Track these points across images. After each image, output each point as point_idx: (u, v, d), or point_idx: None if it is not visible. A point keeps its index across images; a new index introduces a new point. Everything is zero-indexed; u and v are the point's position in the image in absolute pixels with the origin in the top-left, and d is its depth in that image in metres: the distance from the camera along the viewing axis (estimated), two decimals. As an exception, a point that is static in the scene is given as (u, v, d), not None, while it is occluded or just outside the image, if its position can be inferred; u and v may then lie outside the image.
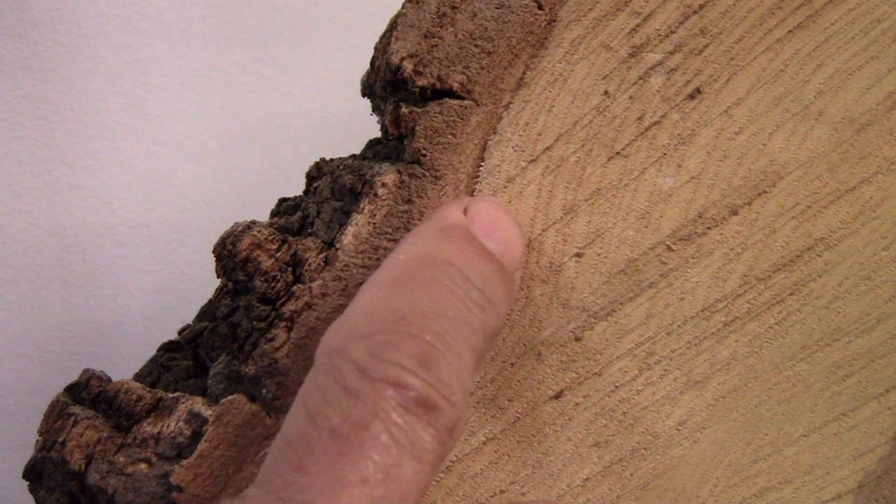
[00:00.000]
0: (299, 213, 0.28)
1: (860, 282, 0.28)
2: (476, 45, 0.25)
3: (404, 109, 0.25)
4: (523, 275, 0.26)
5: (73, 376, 0.29)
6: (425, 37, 0.25)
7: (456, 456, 0.27)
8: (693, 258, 0.27)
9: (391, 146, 0.27)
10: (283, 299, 0.25)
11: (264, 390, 0.25)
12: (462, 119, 0.25)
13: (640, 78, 0.26)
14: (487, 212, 0.25)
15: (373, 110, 0.29)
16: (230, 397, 0.25)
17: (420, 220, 0.25)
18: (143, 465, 0.26)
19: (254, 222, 0.27)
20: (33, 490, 0.28)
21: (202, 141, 0.52)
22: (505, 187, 0.26)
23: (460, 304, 0.22)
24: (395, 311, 0.21)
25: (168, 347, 0.31)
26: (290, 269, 0.26)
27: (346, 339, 0.21)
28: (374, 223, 0.25)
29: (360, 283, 0.25)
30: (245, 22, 0.52)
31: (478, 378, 0.27)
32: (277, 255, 0.26)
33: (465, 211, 0.25)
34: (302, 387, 0.21)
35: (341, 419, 0.20)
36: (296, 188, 0.31)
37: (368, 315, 0.22)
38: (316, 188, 0.28)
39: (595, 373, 0.27)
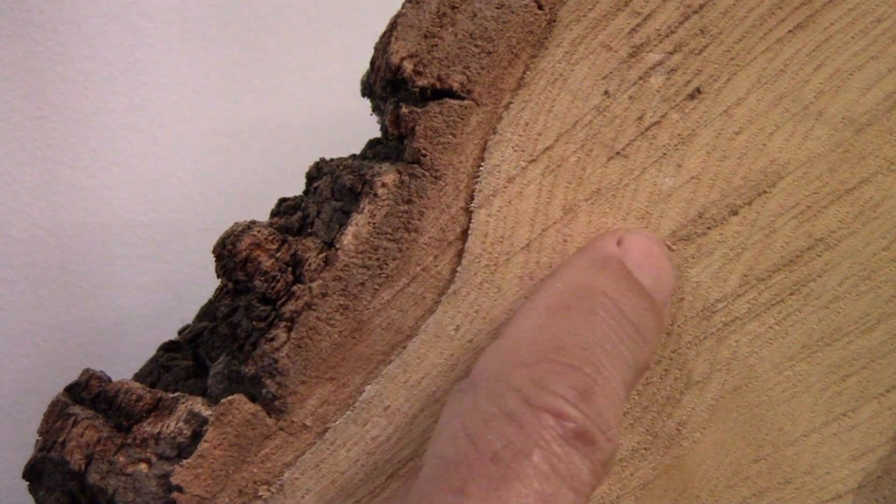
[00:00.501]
0: (299, 213, 0.28)
1: (860, 282, 0.28)
2: (476, 45, 0.25)
3: (404, 109, 0.25)
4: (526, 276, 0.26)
5: (73, 376, 0.29)
6: (425, 37, 0.25)
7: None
8: (693, 258, 0.27)
9: (391, 146, 0.27)
10: (283, 299, 0.25)
11: (264, 390, 0.25)
12: (462, 119, 0.25)
13: (640, 78, 0.26)
14: (641, 245, 0.25)
15: (373, 110, 0.29)
16: (230, 397, 0.25)
17: (420, 220, 0.25)
18: (143, 465, 0.26)
19: (254, 222, 0.27)
20: (33, 490, 0.28)
21: (202, 141, 0.52)
22: (505, 187, 0.26)
23: (615, 338, 0.22)
24: (556, 340, 0.22)
25: (168, 347, 0.31)
26: (290, 269, 0.26)
27: (508, 365, 0.21)
28: (374, 223, 0.25)
29: (361, 283, 0.25)
30: (245, 22, 0.52)
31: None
32: (277, 255, 0.26)
33: (619, 242, 0.25)
34: (455, 406, 0.21)
35: (503, 445, 0.20)
36: (296, 188, 0.31)
37: (528, 342, 0.22)
38: (316, 188, 0.28)
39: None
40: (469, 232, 0.26)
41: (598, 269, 0.24)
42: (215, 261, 0.27)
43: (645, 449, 0.28)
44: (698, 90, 0.26)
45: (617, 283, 0.23)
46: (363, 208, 0.25)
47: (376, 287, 0.26)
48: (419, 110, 0.25)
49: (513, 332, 0.22)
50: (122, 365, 0.36)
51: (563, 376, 0.21)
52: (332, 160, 0.30)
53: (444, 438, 0.21)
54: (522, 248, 0.26)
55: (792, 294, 0.28)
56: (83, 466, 0.26)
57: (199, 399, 0.26)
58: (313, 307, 0.25)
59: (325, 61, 0.53)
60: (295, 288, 0.25)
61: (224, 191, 0.52)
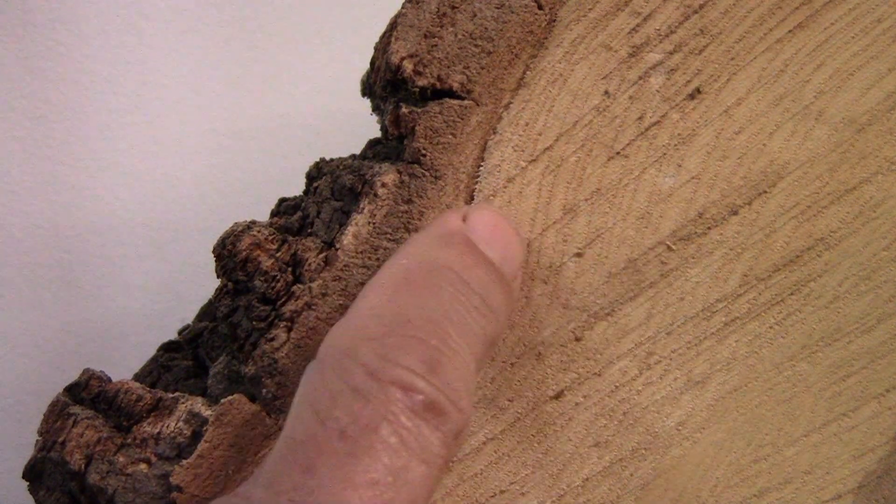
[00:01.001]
0: (299, 213, 0.28)
1: (860, 282, 0.28)
2: (476, 45, 0.25)
3: (404, 109, 0.25)
4: (524, 274, 0.26)
5: (73, 376, 0.29)
6: (425, 37, 0.25)
7: (456, 456, 0.27)
8: (693, 258, 0.27)
9: (391, 146, 0.27)
10: (283, 299, 0.25)
11: (264, 390, 0.25)
12: (462, 119, 0.25)
13: (640, 78, 0.26)
14: (487, 219, 0.25)
15: (373, 110, 0.29)
16: (230, 397, 0.25)
17: (420, 220, 0.25)
18: (143, 465, 0.26)
19: (254, 222, 0.27)
20: (33, 490, 0.28)
21: (202, 141, 0.52)
22: (505, 187, 0.26)
23: (462, 310, 0.22)
24: (401, 314, 0.21)
25: (168, 347, 0.31)
26: (290, 269, 0.26)
27: (354, 340, 0.21)
28: (374, 223, 0.25)
29: (361, 283, 0.25)
30: (245, 22, 0.52)
31: (477, 379, 0.27)
32: (277, 255, 0.26)
33: (465, 218, 0.25)
34: (305, 385, 0.21)
35: (350, 420, 0.20)
36: (296, 188, 0.31)
37: (375, 317, 0.22)
38: (316, 188, 0.28)
39: (595, 373, 0.27)
40: (469, 232, 0.26)
41: (443, 244, 0.24)
42: (215, 261, 0.27)
43: (645, 449, 0.28)
44: (698, 90, 0.26)
45: (462, 257, 0.23)
46: (363, 208, 0.25)
47: (376, 287, 0.26)
48: (419, 110, 0.25)
49: (359, 308, 0.22)
50: (122, 365, 0.36)
51: (409, 349, 0.21)
52: (332, 160, 0.30)
53: (293, 418, 0.21)
54: (522, 248, 0.26)
55: (792, 294, 0.28)
56: (83, 466, 0.26)
57: (199, 399, 0.26)
58: (313, 307, 0.25)
59: (325, 61, 0.53)
60: (295, 288, 0.25)
61: (224, 191, 0.52)
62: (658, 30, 0.26)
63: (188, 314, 0.33)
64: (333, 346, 0.21)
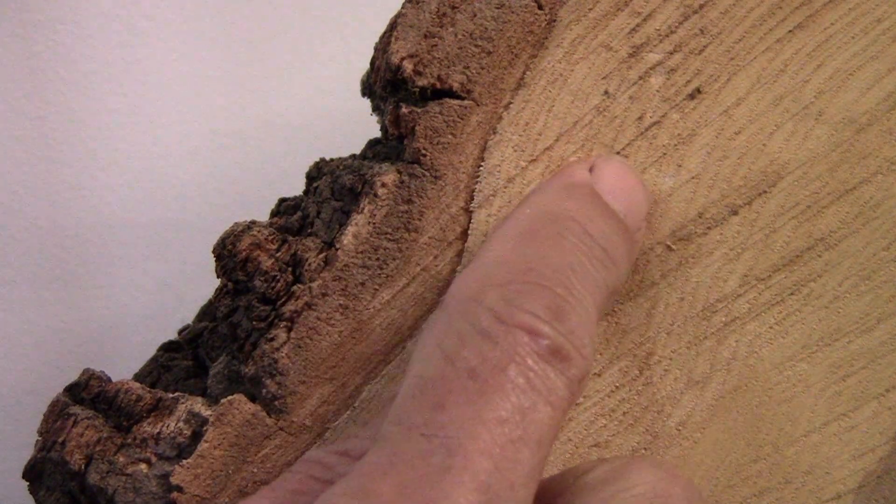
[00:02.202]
0: (299, 213, 0.28)
1: (860, 282, 0.28)
2: (476, 45, 0.25)
3: (404, 109, 0.25)
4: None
5: (73, 376, 0.29)
6: (425, 37, 0.25)
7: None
8: (693, 258, 0.27)
9: (391, 146, 0.27)
10: (283, 299, 0.25)
11: (264, 390, 0.25)
12: (462, 119, 0.25)
13: (640, 78, 0.26)
14: (613, 170, 0.25)
15: (373, 110, 0.29)
16: (230, 397, 0.25)
17: (420, 219, 0.25)
18: (143, 465, 0.26)
19: (254, 222, 0.27)
20: (33, 490, 0.28)
21: (202, 141, 0.52)
22: (505, 187, 0.26)
23: (585, 261, 0.22)
24: (526, 262, 0.22)
25: (168, 347, 0.31)
26: (290, 269, 0.26)
27: (480, 286, 0.21)
28: (374, 223, 0.25)
29: (361, 283, 0.25)
30: (245, 22, 0.52)
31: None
32: (277, 255, 0.26)
33: (591, 169, 0.25)
34: (430, 330, 0.22)
35: (479, 361, 0.20)
36: (296, 188, 0.31)
37: (500, 265, 0.22)
38: (316, 188, 0.28)
39: (595, 373, 0.27)
40: (469, 232, 0.26)
41: (567, 194, 0.24)
42: (215, 261, 0.27)
43: (645, 449, 0.28)
44: (698, 90, 0.26)
45: (586, 208, 0.23)
46: (363, 208, 0.25)
47: (376, 287, 0.26)
48: (419, 110, 0.25)
49: (483, 257, 0.23)
50: (122, 365, 0.36)
51: (534, 296, 0.21)
52: (332, 160, 0.30)
53: (419, 359, 0.21)
54: (522, 248, 0.26)
55: (792, 294, 0.28)
56: (83, 466, 0.26)
57: (199, 399, 0.26)
58: (313, 307, 0.25)
59: (325, 61, 0.53)
60: (295, 288, 0.25)
61: (224, 191, 0.52)
62: (658, 30, 0.26)
63: (188, 314, 0.33)
64: (460, 292, 0.22)
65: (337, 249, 0.25)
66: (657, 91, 0.26)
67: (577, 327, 0.21)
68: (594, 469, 0.22)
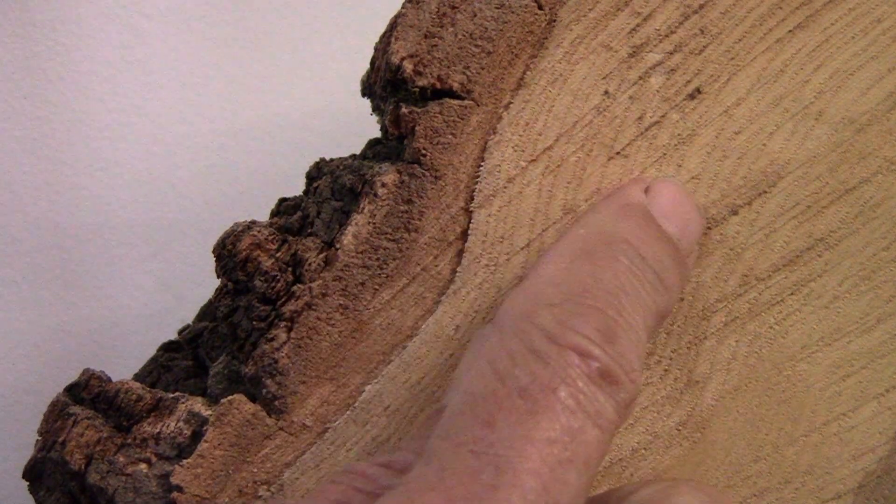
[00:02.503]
0: (299, 213, 0.28)
1: (860, 282, 0.28)
2: (476, 45, 0.25)
3: (404, 109, 0.25)
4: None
5: (73, 376, 0.29)
6: (425, 37, 0.25)
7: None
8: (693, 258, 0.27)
9: (391, 146, 0.27)
10: (283, 299, 0.25)
11: (264, 390, 0.25)
12: (462, 119, 0.25)
13: (640, 78, 0.26)
14: (668, 193, 0.25)
15: (373, 110, 0.29)
16: (230, 397, 0.25)
17: (420, 219, 0.25)
18: (143, 465, 0.26)
19: (254, 222, 0.27)
20: (33, 490, 0.28)
21: (202, 141, 0.52)
22: (505, 187, 0.26)
23: (637, 284, 0.22)
24: (579, 283, 0.22)
25: (168, 347, 0.31)
26: (290, 269, 0.26)
27: (533, 305, 0.22)
28: (374, 223, 0.25)
29: (361, 283, 0.25)
30: (245, 22, 0.52)
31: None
32: (277, 255, 0.26)
33: (647, 190, 0.25)
34: (482, 345, 0.22)
35: (530, 380, 0.20)
36: (296, 188, 0.31)
37: (553, 284, 0.22)
38: (316, 188, 0.28)
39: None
40: (469, 232, 0.26)
41: (623, 216, 0.24)
42: (215, 261, 0.27)
43: (645, 449, 0.28)
44: (698, 90, 0.26)
45: (640, 230, 0.24)
46: (363, 208, 0.25)
47: (376, 287, 0.26)
48: (419, 110, 0.25)
49: (537, 275, 0.23)
50: (122, 365, 0.36)
51: (587, 317, 0.21)
52: (332, 160, 0.30)
53: (471, 375, 0.21)
54: (522, 248, 0.26)
55: (792, 294, 0.28)
56: (83, 466, 0.26)
57: (199, 399, 0.26)
58: (313, 307, 0.25)
59: (325, 61, 0.53)
60: (295, 288, 0.25)
61: (224, 191, 0.52)
62: (658, 30, 0.26)
63: (188, 314, 0.33)
64: (512, 310, 0.22)
65: (337, 249, 0.25)
66: (657, 91, 0.26)
67: (627, 351, 0.21)
68: (639, 490, 0.22)
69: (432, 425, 0.21)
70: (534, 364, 0.20)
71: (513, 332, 0.21)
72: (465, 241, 0.26)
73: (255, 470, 0.26)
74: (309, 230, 0.27)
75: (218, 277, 0.27)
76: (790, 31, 0.26)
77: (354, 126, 0.36)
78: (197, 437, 0.25)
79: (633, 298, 0.22)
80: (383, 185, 0.25)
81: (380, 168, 0.26)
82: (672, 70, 0.26)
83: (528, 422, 0.20)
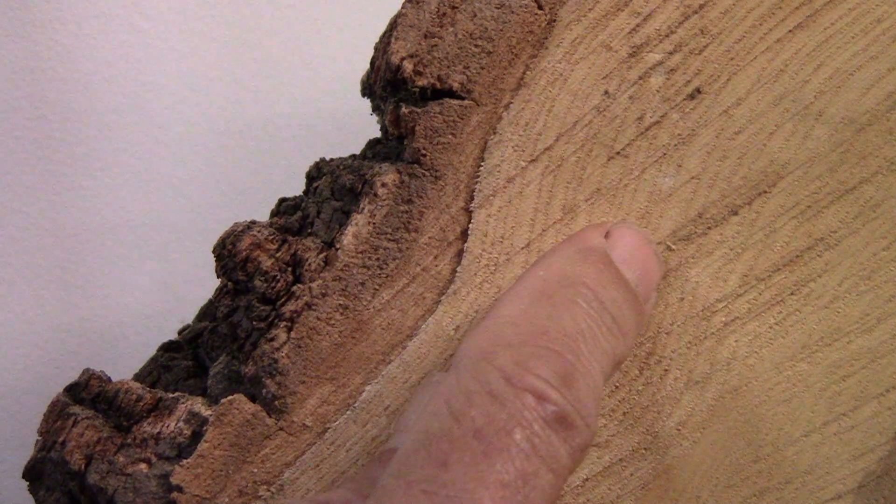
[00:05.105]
0: (299, 213, 0.28)
1: (860, 282, 0.28)
2: (476, 45, 0.25)
3: (404, 109, 0.25)
4: None
5: (73, 376, 0.29)
6: (425, 37, 0.25)
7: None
8: (693, 258, 0.27)
9: (391, 146, 0.27)
10: (283, 299, 0.25)
11: (264, 390, 0.25)
12: (462, 119, 0.25)
13: (640, 78, 0.26)
14: (628, 239, 0.25)
15: (373, 110, 0.29)
16: (230, 397, 0.25)
17: (420, 220, 0.25)
18: (143, 465, 0.26)
19: (254, 222, 0.27)
20: (33, 490, 0.28)
21: (202, 141, 0.52)
22: (505, 187, 0.26)
23: (595, 328, 0.23)
24: (538, 325, 0.22)
25: (168, 347, 0.31)
26: (290, 269, 0.26)
27: (491, 345, 0.22)
28: (374, 223, 0.25)
29: (361, 283, 0.25)
30: (245, 22, 0.52)
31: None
32: (277, 255, 0.26)
33: (607, 235, 0.25)
34: (439, 385, 0.22)
35: (486, 421, 0.20)
36: (296, 188, 0.31)
37: (511, 325, 0.22)
38: (316, 188, 0.28)
39: (595, 373, 0.27)
40: (469, 232, 0.26)
41: (582, 259, 0.24)
42: (215, 261, 0.27)
43: (645, 449, 0.28)
44: (698, 90, 0.26)
45: (599, 274, 0.24)
46: (363, 208, 0.25)
47: (376, 287, 0.26)
48: (419, 110, 0.25)
49: (496, 315, 0.23)
50: (122, 365, 0.36)
51: (545, 360, 0.21)
52: (332, 160, 0.30)
53: (426, 414, 0.21)
54: (522, 248, 0.26)
55: (792, 294, 0.28)
56: (83, 466, 0.26)
57: (199, 399, 0.26)
58: (313, 307, 0.25)
59: (325, 61, 0.53)
60: (295, 288, 0.25)
61: (224, 191, 0.52)
62: (658, 30, 0.26)
63: (188, 314, 0.33)
64: (470, 350, 0.22)
65: (337, 249, 0.25)
66: (657, 91, 0.26)
67: (583, 395, 0.21)
68: None
69: (376, 467, 0.21)
70: (490, 405, 0.20)
71: (470, 372, 0.21)
72: (465, 241, 0.26)
73: (255, 470, 0.26)
74: (309, 230, 0.27)
75: (218, 277, 0.27)
76: (790, 31, 0.26)
77: (354, 126, 0.36)
78: (197, 437, 0.25)
79: (591, 343, 0.22)
80: (383, 185, 0.25)
81: (380, 168, 0.26)
82: (672, 70, 0.26)
83: (482, 463, 0.19)
